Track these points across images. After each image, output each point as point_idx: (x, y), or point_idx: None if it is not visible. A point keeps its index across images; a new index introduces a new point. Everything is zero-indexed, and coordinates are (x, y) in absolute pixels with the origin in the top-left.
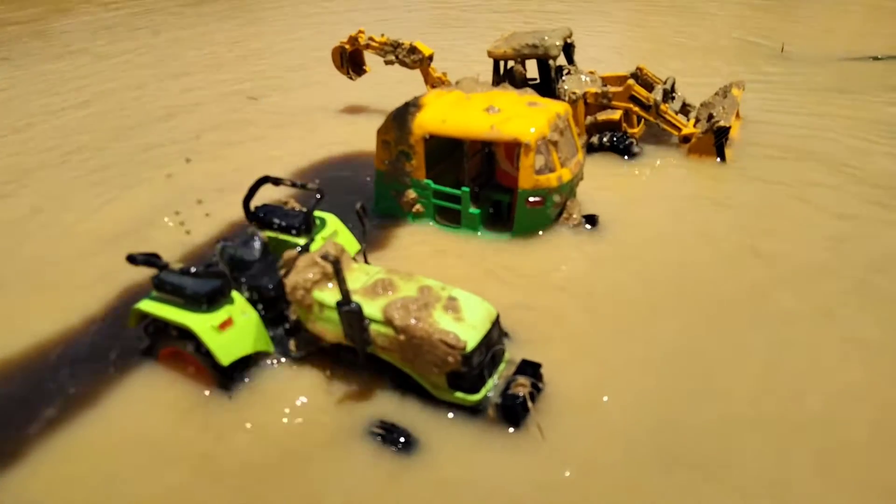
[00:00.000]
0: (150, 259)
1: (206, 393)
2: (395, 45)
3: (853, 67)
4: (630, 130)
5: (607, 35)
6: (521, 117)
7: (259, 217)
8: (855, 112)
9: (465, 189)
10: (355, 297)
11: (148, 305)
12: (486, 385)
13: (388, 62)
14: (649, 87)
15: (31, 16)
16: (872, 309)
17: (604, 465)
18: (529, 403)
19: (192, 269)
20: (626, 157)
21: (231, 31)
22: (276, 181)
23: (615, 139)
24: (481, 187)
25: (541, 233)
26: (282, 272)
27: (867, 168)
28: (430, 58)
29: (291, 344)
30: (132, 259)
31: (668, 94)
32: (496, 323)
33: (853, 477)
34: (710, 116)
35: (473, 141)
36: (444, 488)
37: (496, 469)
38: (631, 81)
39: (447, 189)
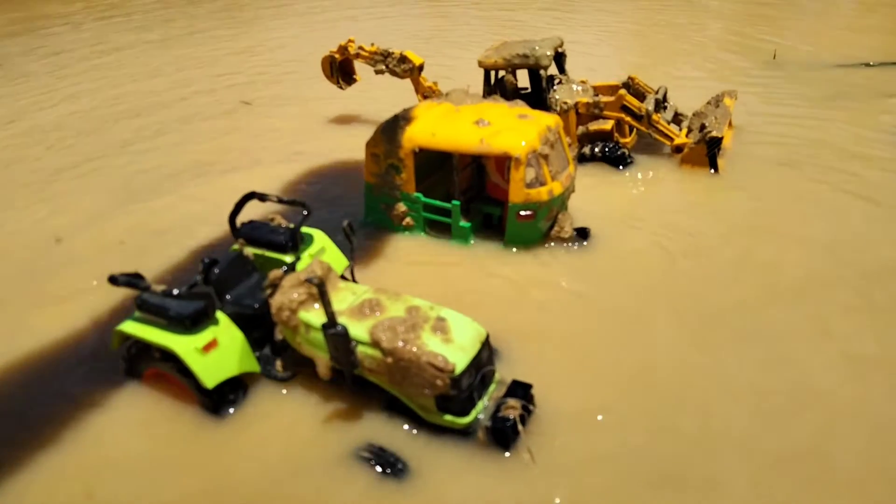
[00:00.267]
0: (132, 280)
1: (192, 415)
2: (386, 55)
3: (846, 74)
4: (622, 140)
5: (598, 44)
6: (512, 130)
7: (245, 233)
8: (849, 120)
9: (456, 202)
10: (342, 318)
11: (130, 327)
12: (476, 407)
13: (378, 72)
14: (641, 96)
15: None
16: (870, 322)
17: (594, 488)
18: (520, 427)
19: (175, 292)
20: (618, 168)
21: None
22: (263, 197)
23: (607, 149)
24: (472, 200)
25: (532, 246)
26: (267, 292)
27: (862, 177)
28: (421, 67)
29: (278, 364)
30: (113, 280)
31: (660, 104)
32: (486, 343)
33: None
34: (703, 126)
35: (463, 154)
36: None
37: (486, 494)
38: (623, 91)
39: (437, 202)
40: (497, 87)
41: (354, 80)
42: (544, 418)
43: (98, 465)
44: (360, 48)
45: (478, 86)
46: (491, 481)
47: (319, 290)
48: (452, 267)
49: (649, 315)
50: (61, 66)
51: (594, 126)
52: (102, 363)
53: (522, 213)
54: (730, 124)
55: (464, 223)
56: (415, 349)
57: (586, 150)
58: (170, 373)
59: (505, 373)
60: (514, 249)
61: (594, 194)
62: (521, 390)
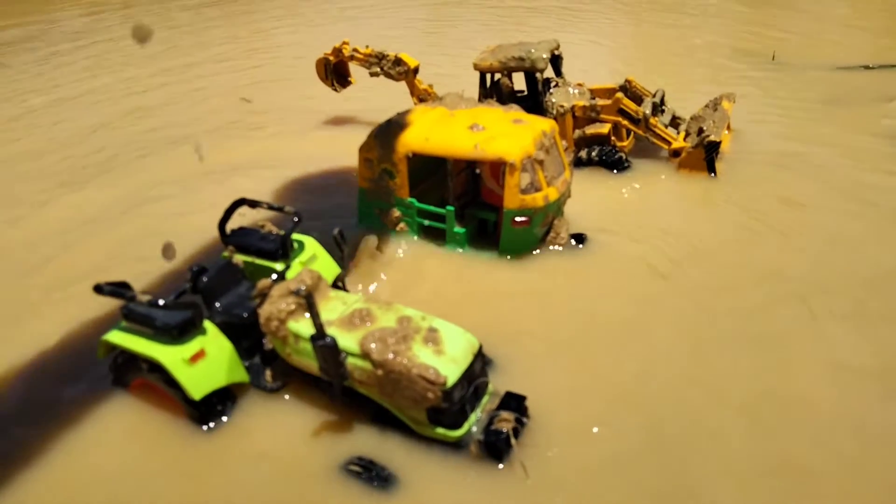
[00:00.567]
0: (117, 290)
1: (179, 426)
2: (380, 57)
3: (845, 77)
4: (619, 144)
5: (595, 47)
6: (506, 135)
7: (235, 240)
8: (849, 124)
9: (450, 208)
10: (331, 329)
11: (116, 336)
12: (469, 420)
13: (373, 74)
14: (638, 99)
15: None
16: (866, 331)
17: (588, 502)
18: (513, 440)
19: (161, 302)
20: (615, 172)
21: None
22: (253, 203)
23: (604, 154)
24: (466, 206)
25: (528, 253)
26: (256, 301)
27: (862, 183)
28: (416, 70)
29: (267, 374)
30: (98, 289)
31: (658, 107)
32: (478, 355)
33: None
34: (701, 130)
35: (458, 160)
36: None
37: None
38: (620, 94)
39: (432, 208)
40: (493, 90)
41: (349, 83)
42: (538, 430)
43: (83, 477)
44: (355, 50)
45: (473, 89)
46: (483, 495)
47: (307, 302)
48: (446, 274)
49: (646, 323)
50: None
51: (591, 130)
52: (90, 371)
53: (518, 219)
54: (728, 128)
55: (458, 229)
56: (405, 361)
57: (583, 154)
58: (157, 384)
59: (498, 384)
60: (510, 256)
61: (590, 199)
62: (514, 402)
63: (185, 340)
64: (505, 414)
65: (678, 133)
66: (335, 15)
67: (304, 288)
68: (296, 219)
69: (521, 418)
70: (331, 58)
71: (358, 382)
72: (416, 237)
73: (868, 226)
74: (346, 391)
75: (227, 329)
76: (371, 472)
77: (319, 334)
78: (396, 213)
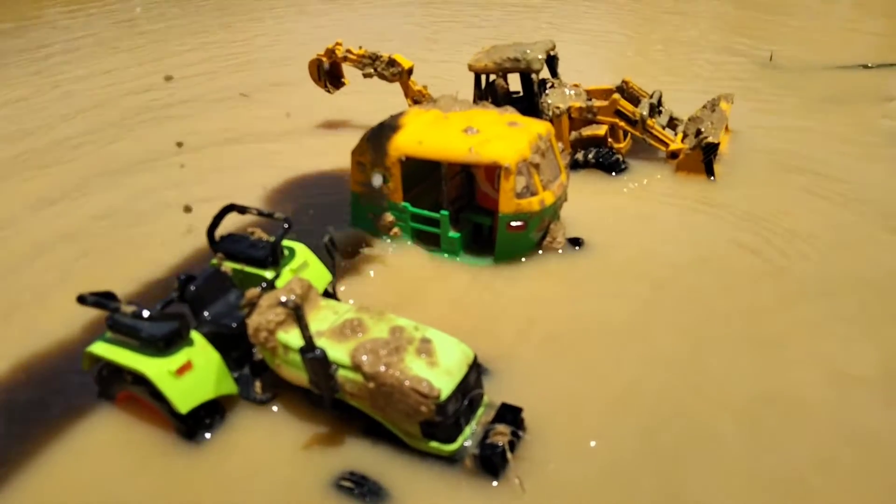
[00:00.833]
0: (101, 301)
1: (167, 439)
2: (374, 58)
3: (844, 76)
4: (616, 146)
5: (591, 47)
6: (501, 139)
7: (224, 247)
8: (848, 124)
9: (445, 212)
10: (322, 340)
11: (101, 348)
12: (464, 433)
13: (366, 75)
14: (635, 100)
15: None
16: (867, 334)
17: None
18: (509, 455)
19: (146, 314)
20: (612, 174)
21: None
22: (242, 209)
23: (601, 156)
24: (461, 209)
25: (523, 258)
26: (245, 311)
27: (862, 184)
28: (410, 71)
29: (257, 386)
30: (82, 300)
31: (655, 108)
32: (473, 366)
33: None
34: (699, 132)
35: (452, 163)
36: None
37: None
38: (616, 95)
39: (426, 212)
40: (488, 91)
41: (343, 84)
42: (535, 443)
43: (64, 494)
44: (348, 51)
45: (468, 90)
46: None
47: (295, 314)
48: (440, 280)
49: (645, 329)
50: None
51: (587, 131)
52: (76, 381)
53: (513, 223)
54: (726, 129)
55: (453, 234)
56: (398, 374)
57: (579, 156)
58: (143, 397)
59: (494, 394)
60: (505, 261)
61: (587, 202)
62: (510, 415)
63: (172, 352)
64: (501, 427)
65: (675, 134)
66: (331, 13)
67: (293, 298)
68: (286, 225)
69: (517, 431)
70: (324, 59)
71: (349, 395)
72: (409, 242)
73: (868, 227)
74: (337, 403)
75: (216, 339)
76: (363, 488)
77: (308, 346)
78: (390, 217)
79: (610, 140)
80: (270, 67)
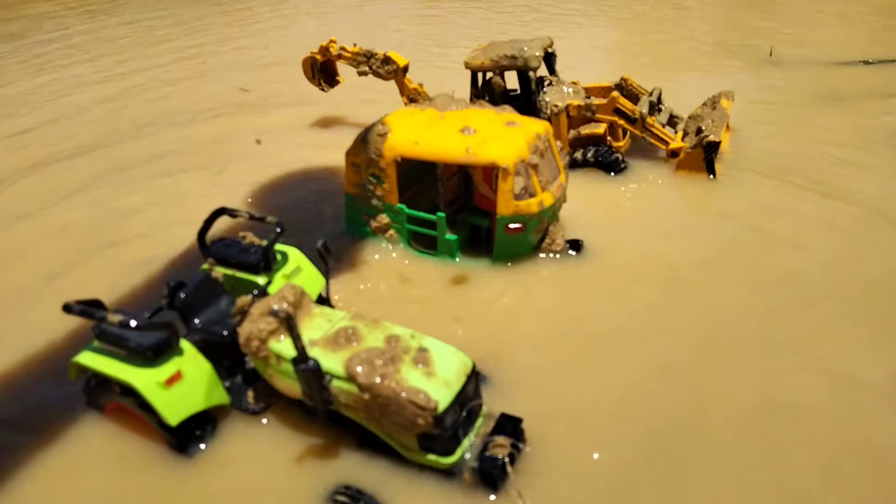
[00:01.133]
0: (87, 309)
1: (156, 451)
2: (369, 56)
3: (844, 72)
4: (615, 144)
5: (589, 44)
6: (499, 139)
7: (215, 252)
8: (849, 121)
9: (441, 214)
10: (315, 349)
11: (88, 358)
12: (462, 446)
13: (361, 73)
14: (635, 98)
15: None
16: (871, 339)
17: None
18: (509, 468)
19: (133, 323)
20: (611, 174)
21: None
22: (233, 213)
23: (600, 154)
24: (458, 211)
25: (522, 261)
26: (236, 319)
27: (865, 182)
28: (406, 68)
29: (249, 396)
30: (68, 308)
31: (655, 106)
32: (472, 376)
33: None
34: (699, 130)
35: (448, 164)
36: None
37: None
38: (615, 93)
39: (422, 214)
40: (485, 89)
41: (338, 82)
42: (536, 455)
43: None
44: (343, 49)
45: (464, 87)
46: None
47: (287, 324)
48: (437, 284)
49: (646, 334)
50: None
51: (586, 130)
52: (67, 387)
53: (511, 225)
54: (727, 127)
55: (450, 236)
56: (394, 385)
57: (578, 155)
58: (132, 408)
59: (493, 404)
60: (503, 264)
61: (586, 203)
62: (510, 425)
63: (160, 362)
64: (500, 439)
65: (676, 132)
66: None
67: (284, 307)
68: (278, 229)
69: (517, 444)
70: (318, 57)
71: (344, 407)
72: (405, 244)
73: (873, 226)
74: (332, 414)
75: (207, 347)
76: (359, 502)
77: (301, 357)
78: (385, 219)
79: (609, 139)
80: (266, 66)
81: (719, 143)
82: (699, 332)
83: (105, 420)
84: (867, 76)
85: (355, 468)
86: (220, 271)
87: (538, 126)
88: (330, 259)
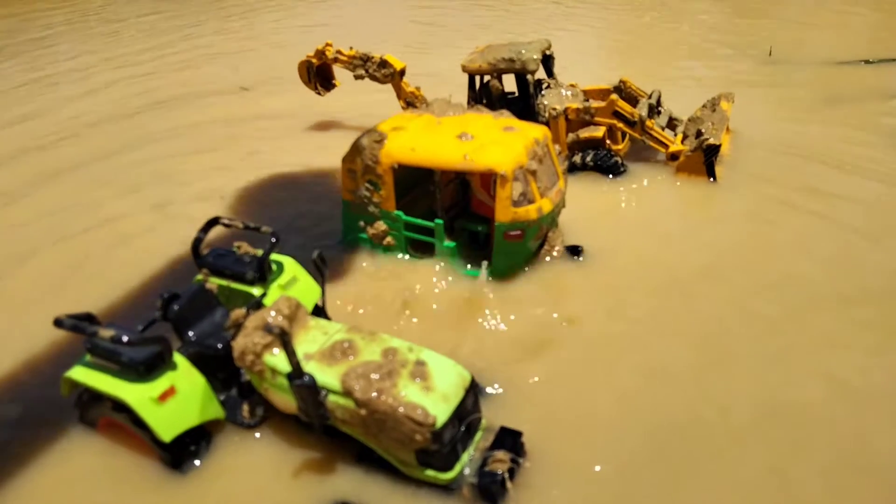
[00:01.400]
0: (78, 324)
1: (151, 467)
2: (365, 59)
3: (844, 72)
4: (614, 148)
5: (587, 46)
6: (497, 145)
7: (209, 262)
8: (850, 123)
9: (439, 221)
10: (311, 363)
11: (79, 373)
12: (461, 461)
13: (357, 76)
14: (634, 101)
15: None
16: (884, 349)
17: None
18: (508, 483)
19: (125, 338)
20: (610, 177)
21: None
22: (228, 223)
23: (599, 158)
24: (456, 217)
25: (521, 268)
26: (230, 332)
27: (867, 187)
28: (402, 72)
29: (245, 409)
30: (59, 323)
31: (654, 109)
32: (470, 389)
33: None
34: (699, 133)
35: (446, 171)
36: None
37: None
38: (614, 96)
39: (419, 221)
40: (482, 92)
41: (334, 86)
42: (536, 470)
43: None
44: (339, 52)
45: (462, 91)
46: None
47: (282, 340)
48: (434, 292)
49: (648, 343)
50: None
51: (585, 133)
52: (54, 402)
53: (510, 232)
54: (727, 129)
55: (448, 243)
56: (391, 400)
57: (577, 158)
58: (125, 424)
59: (492, 417)
60: (502, 271)
61: (586, 207)
62: (510, 439)
63: (153, 377)
64: (500, 454)
65: (675, 135)
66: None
67: (279, 320)
68: (273, 239)
69: (516, 458)
70: (313, 60)
71: (340, 422)
72: (403, 251)
73: (873, 231)
74: (328, 429)
75: (201, 360)
76: None
77: (296, 373)
78: (382, 226)
79: (608, 142)
80: (259, 67)
81: (719, 146)
82: (699, 339)
83: (97, 435)
84: (868, 76)
85: (353, 484)
86: (214, 282)
87: (536, 131)
88: (326, 270)
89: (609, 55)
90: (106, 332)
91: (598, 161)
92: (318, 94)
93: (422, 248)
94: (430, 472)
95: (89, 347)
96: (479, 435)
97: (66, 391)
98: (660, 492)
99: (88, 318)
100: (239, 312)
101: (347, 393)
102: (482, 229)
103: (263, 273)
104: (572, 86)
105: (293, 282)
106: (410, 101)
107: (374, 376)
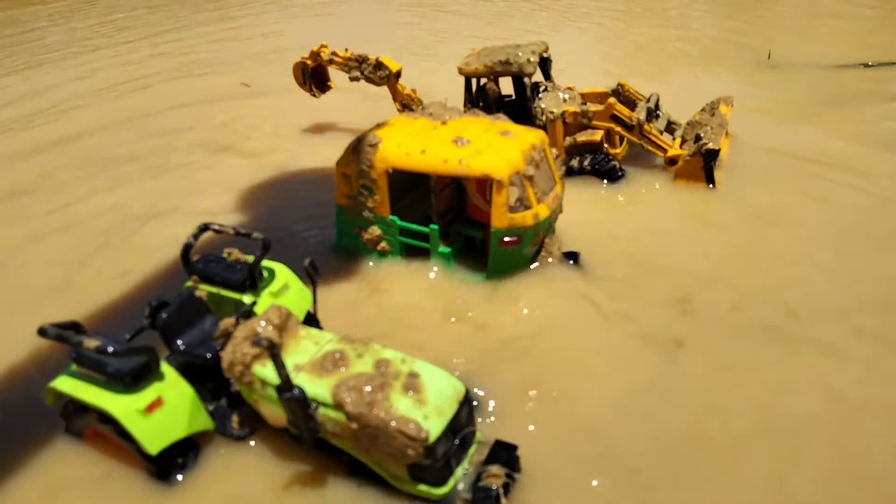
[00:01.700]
0: (62, 334)
1: (137, 480)
2: (361, 61)
3: (844, 76)
4: (612, 152)
5: (585, 49)
6: (493, 150)
7: (199, 269)
8: (850, 127)
9: (434, 227)
10: (301, 374)
11: (65, 383)
12: (455, 475)
13: (352, 78)
14: (632, 104)
15: None
16: (884, 357)
17: None
18: (503, 500)
19: (111, 349)
20: (608, 182)
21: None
22: (218, 229)
23: (597, 162)
24: (451, 222)
25: (517, 274)
26: (218, 343)
27: (869, 193)
28: (398, 74)
29: (234, 420)
30: (43, 332)
31: (653, 113)
32: (465, 402)
33: None
34: (698, 137)
35: (441, 175)
36: None
37: None
38: (612, 100)
39: (414, 226)
40: (479, 95)
41: (329, 88)
42: (531, 485)
43: None
44: (334, 54)
45: (458, 93)
46: None
47: (270, 353)
48: (429, 300)
49: (647, 354)
50: None
51: (582, 137)
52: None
53: (506, 238)
54: (726, 133)
55: (443, 249)
56: (383, 414)
57: (574, 162)
58: (111, 435)
59: (487, 429)
60: (498, 277)
61: (583, 212)
62: (505, 453)
63: (140, 388)
64: (494, 469)
65: (674, 139)
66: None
67: (269, 331)
68: (264, 246)
69: (511, 473)
70: (308, 62)
71: (331, 435)
72: (398, 257)
73: (875, 238)
74: (319, 442)
75: (190, 370)
76: None
77: (285, 386)
78: (377, 231)
79: (606, 146)
80: (254, 68)
81: (718, 150)
82: (700, 353)
83: (84, 445)
84: (867, 79)
85: (344, 498)
86: (204, 289)
87: (533, 136)
88: (317, 277)
89: (607, 58)
90: (91, 343)
91: (596, 165)
92: (313, 95)
93: (417, 254)
94: (423, 487)
95: (75, 357)
96: (473, 448)
97: (51, 401)
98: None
99: (74, 326)
100: (228, 322)
101: (338, 406)
102: (478, 235)
103: (254, 280)
104: (570, 89)
105: (284, 289)
106: (406, 104)
107: (366, 389)
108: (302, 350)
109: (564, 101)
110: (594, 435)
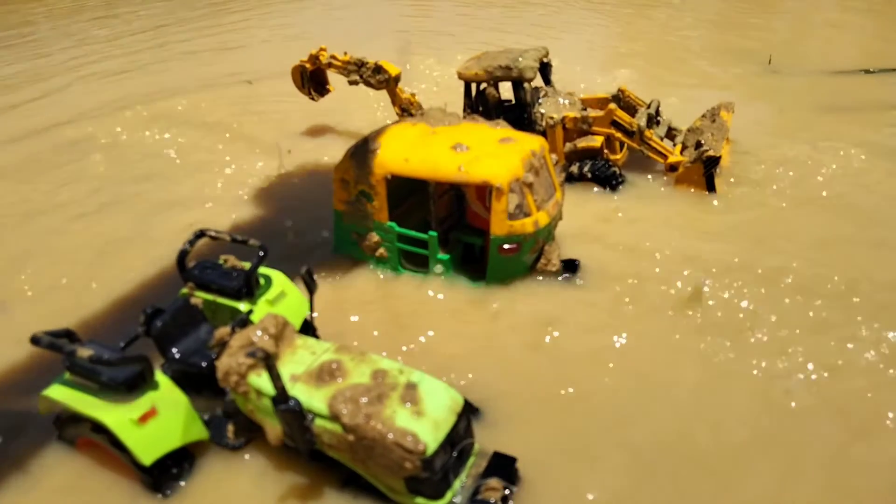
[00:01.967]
0: (55, 342)
1: (130, 490)
2: (360, 64)
3: (845, 82)
4: (612, 158)
5: (586, 54)
6: (492, 156)
7: (195, 276)
8: (852, 134)
9: (433, 233)
10: (297, 385)
11: (58, 392)
12: (452, 488)
13: (351, 82)
14: (632, 110)
15: None
16: (887, 366)
17: None
18: None
19: (105, 357)
20: (608, 188)
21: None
22: (214, 236)
23: (597, 168)
24: (450, 229)
25: (516, 282)
26: (214, 352)
27: (872, 201)
28: (397, 78)
29: (230, 430)
30: (36, 341)
31: (653, 119)
32: (463, 414)
33: None
34: (699, 143)
35: (440, 182)
36: None
37: None
38: (612, 105)
39: (413, 233)
40: (478, 100)
41: (328, 91)
42: (528, 496)
43: None
44: (333, 57)
45: (458, 98)
46: None
47: (266, 364)
48: (427, 307)
49: (645, 364)
50: None
51: (582, 143)
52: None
53: (506, 246)
54: (727, 140)
55: (442, 255)
56: (380, 426)
57: (574, 168)
58: (104, 445)
59: (485, 440)
60: (497, 285)
61: (583, 218)
62: (503, 465)
63: (134, 398)
64: (493, 482)
65: (674, 145)
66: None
67: (265, 340)
68: (261, 253)
69: (510, 486)
70: (307, 65)
71: (327, 447)
72: (396, 263)
73: (878, 246)
74: (315, 453)
75: (185, 378)
76: None
77: (281, 397)
78: (375, 237)
79: (606, 152)
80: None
81: (719, 157)
82: (700, 363)
83: (77, 453)
84: (868, 85)
85: None
86: (200, 296)
87: (533, 142)
88: (314, 285)
89: (607, 64)
90: (84, 352)
91: (596, 171)
92: (312, 99)
93: (415, 261)
94: (421, 500)
95: (68, 365)
96: (471, 460)
97: (44, 410)
98: None
99: (67, 334)
100: (224, 331)
101: (335, 417)
102: (477, 242)
103: (251, 287)
104: (570, 94)
105: (281, 297)
106: (405, 108)
107: (363, 400)
108: (298, 360)
109: (564, 106)
110: (591, 446)
